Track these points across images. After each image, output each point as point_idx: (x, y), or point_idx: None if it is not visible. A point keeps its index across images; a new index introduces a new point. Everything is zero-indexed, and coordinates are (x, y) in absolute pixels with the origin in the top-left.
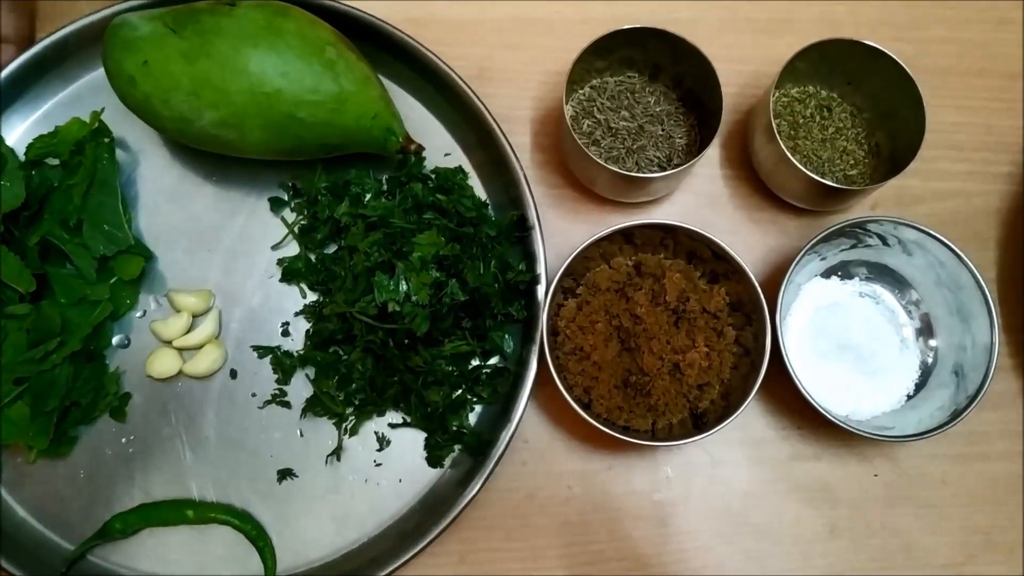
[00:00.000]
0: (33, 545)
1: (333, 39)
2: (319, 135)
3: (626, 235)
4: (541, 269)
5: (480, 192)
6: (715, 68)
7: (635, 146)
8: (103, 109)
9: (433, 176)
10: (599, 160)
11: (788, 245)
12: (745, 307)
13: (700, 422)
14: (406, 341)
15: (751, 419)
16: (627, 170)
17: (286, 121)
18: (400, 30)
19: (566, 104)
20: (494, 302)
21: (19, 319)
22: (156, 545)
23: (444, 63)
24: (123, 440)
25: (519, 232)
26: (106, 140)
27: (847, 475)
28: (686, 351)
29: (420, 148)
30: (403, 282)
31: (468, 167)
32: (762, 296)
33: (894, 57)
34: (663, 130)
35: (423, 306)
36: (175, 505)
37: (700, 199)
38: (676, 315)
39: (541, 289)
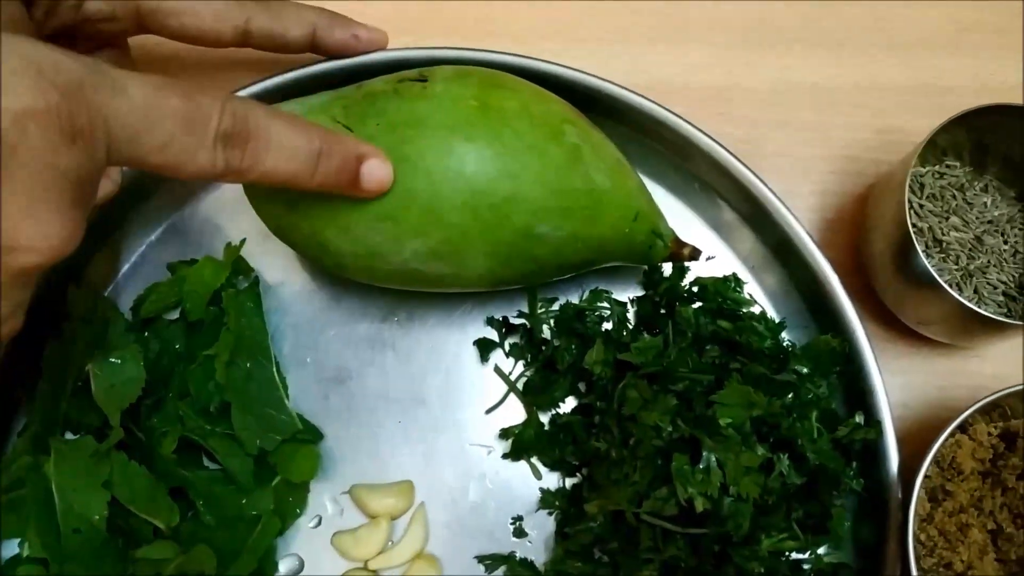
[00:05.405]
0: None
1: (570, 114)
2: (561, 253)
3: None
4: (884, 415)
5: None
6: None
7: (972, 267)
8: (243, 241)
9: (695, 290)
10: (956, 294)
11: None
12: None
13: None
14: (716, 548)
15: None
16: (966, 299)
17: (520, 240)
18: (650, 98)
19: (908, 208)
20: (843, 480)
21: (156, 565)
22: None
23: (712, 137)
24: None
25: (841, 366)
26: (250, 280)
27: None
28: None
29: (695, 252)
30: (716, 467)
31: (743, 274)
32: None
33: None
34: (1007, 243)
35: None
36: None
37: None
38: None
39: (890, 448)
